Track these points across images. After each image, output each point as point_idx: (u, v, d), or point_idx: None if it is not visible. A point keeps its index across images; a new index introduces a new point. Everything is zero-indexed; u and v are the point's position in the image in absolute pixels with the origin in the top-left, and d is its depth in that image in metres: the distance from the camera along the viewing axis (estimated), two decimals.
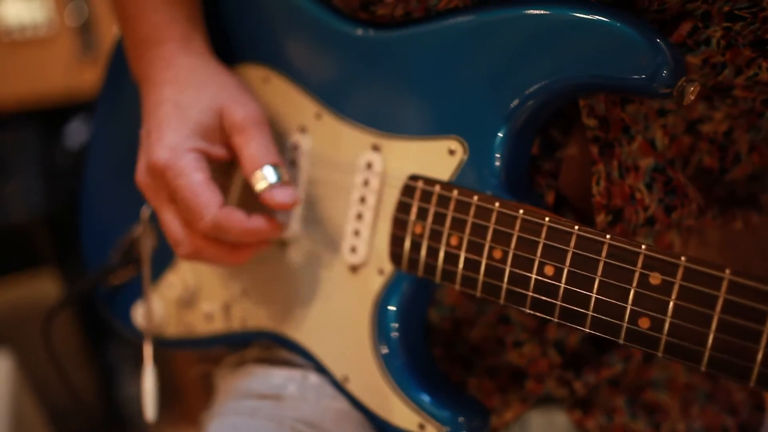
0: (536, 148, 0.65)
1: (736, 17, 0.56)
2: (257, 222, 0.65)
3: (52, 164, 1.78)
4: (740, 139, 0.66)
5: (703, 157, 0.67)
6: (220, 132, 0.67)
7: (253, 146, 0.65)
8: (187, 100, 0.67)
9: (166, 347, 0.85)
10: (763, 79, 0.59)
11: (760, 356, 0.47)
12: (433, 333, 0.75)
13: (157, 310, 0.82)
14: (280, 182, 0.65)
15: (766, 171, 0.69)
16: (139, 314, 0.82)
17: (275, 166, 0.65)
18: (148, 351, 0.78)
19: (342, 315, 0.69)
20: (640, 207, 0.65)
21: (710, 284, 0.49)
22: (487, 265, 0.59)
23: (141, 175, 0.67)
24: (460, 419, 0.62)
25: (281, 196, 0.65)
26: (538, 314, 0.57)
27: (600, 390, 0.73)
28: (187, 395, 1.81)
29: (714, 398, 0.75)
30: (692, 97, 0.54)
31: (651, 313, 0.51)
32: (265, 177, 0.65)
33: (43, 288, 1.63)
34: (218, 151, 0.67)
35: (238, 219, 0.64)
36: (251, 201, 0.69)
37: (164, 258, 0.80)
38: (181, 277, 0.79)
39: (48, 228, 1.59)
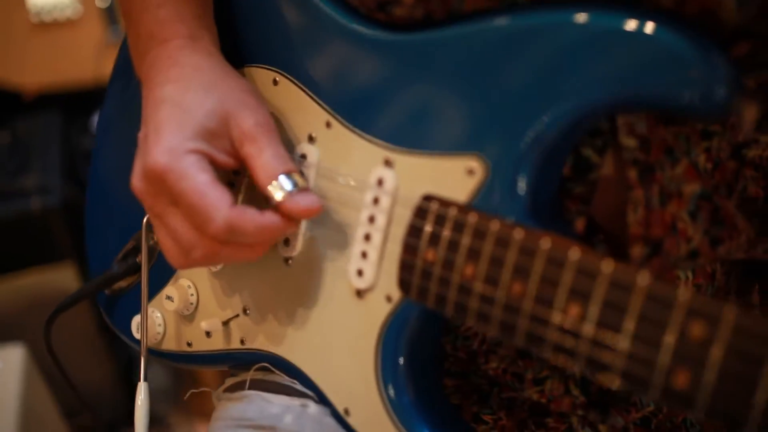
0: (567, 168, 0.58)
1: None
2: (271, 218, 0.60)
3: (76, 154, 1.75)
4: None
5: (747, 185, 0.59)
6: (226, 139, 0.62)
7: (266, 155, 0.61)
8: (190, 101, 0.61)
9: (166, 361, 0.80)
10: None
11: None
12: (446, 362, 0.69)
13: (155, 323, 0.77)
14: (298, 189, 0.60)
15: None
16: (136, 327, 0.78)
17: (289, 174, 0.61)
18: (143, 366, 0.74)
19: (345, 342, 0.63)
20: (683, 238, 0.58)
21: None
22: (505, 301, 0.52)
23: (137, 181, 0.62)
24: None
25: (304, 201, 0.60)
26: (559, 362, 0.50)
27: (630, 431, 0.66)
28: (205, 387, 1.78)
29: None
30: (751, 119, 0.47)
31: (690, 369, 0.45)
32: (282, 186, 0.60)
33: (61, 281, 1.60)
34: (223, 159, 0.62)
35: (251, 217, 0.59)
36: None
37: (165, 269, 0.75)
38: (180, 290, 0.74)
39: (66, 219, 1.56)
